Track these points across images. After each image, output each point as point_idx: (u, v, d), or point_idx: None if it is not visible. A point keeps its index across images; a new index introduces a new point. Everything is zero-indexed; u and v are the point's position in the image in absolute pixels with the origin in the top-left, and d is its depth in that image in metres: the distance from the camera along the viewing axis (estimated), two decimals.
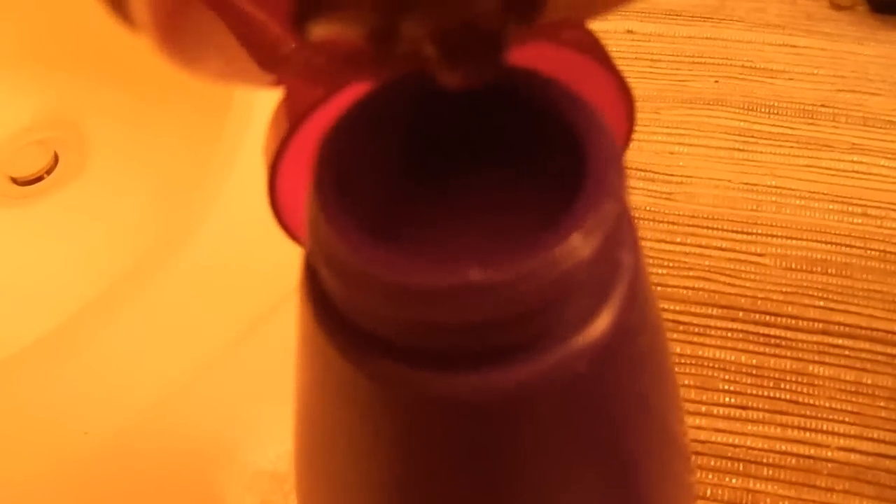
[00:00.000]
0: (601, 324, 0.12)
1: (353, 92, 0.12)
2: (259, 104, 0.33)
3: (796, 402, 0.29)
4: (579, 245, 0.11)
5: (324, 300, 0.12)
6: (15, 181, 0.41)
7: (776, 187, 0.35)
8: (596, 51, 0.14)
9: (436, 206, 0.12)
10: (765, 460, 0.28)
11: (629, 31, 0.41)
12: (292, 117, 0.12)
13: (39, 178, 0.41)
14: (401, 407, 0.12)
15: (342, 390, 0.13)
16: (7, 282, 0.38)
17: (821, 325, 0.31)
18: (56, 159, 0.41)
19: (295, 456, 0.16)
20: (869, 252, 0.33)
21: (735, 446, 0.28)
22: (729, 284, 0.32)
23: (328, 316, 0.12)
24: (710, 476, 0.28)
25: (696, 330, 0.31)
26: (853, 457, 0.28)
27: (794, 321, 0.31)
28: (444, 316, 0.11)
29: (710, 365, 0.30)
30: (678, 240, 0.33)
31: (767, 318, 0.31)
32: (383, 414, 0.12)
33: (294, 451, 0.16)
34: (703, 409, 0.29)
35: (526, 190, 0.12)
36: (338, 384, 0.13)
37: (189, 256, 0.31)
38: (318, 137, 0.12)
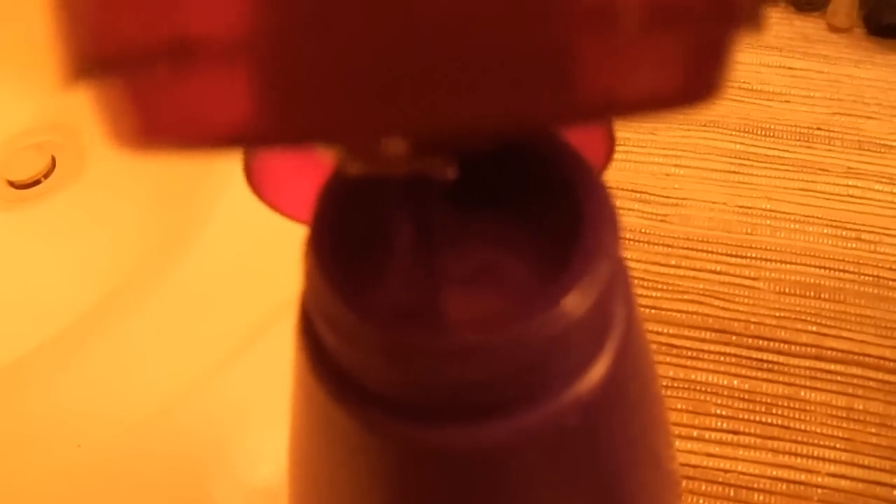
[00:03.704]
0: (594, 376, 0.12)
1: None
2: None
3: (788, 428, 0.29)
4: (574, 306, 0.11)
5: (319, 348, 0.12)
6: (12, 185, 0.41)
7: (771, 211, 0.35)
8: None
9: (430, 256, 0.13)
10: (756, 485, 0.28)
11: None
12: None
13: (36, 182, 0.41)
14: (393, 456, 0.12)
15: (335, 436, 0.13)
16: (3, 287, 0.38)
17: (813, 350, 0.31)
18: (53, 163, 0.41)
19: (288, 494, 0.16)
20: (862, 277, 0.33)
21: (726, 471, 0.29)
22: (722, 308, 0.32)
23: (323, 364, 0.12)
24: (702, 501, 0.28)
25: (689, 353, 0.31)
26: (844, 483, 0.28)
27: (786, 346, 0.31)
28: (439, 375, 0.11)
29: (703, 389, 0.30)
30: (672, 262, 0.33)
31: (760, 342, 0.31)
32: (375, 461, 0.12)
33: (287, 489, 0.16)
34: (695, 433, 0.29)
35: (521, 241, 0.13)
36: (330, 430, 0.13)
37: (188, 263, 0.31)
38: None
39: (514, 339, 0.11)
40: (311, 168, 0.14)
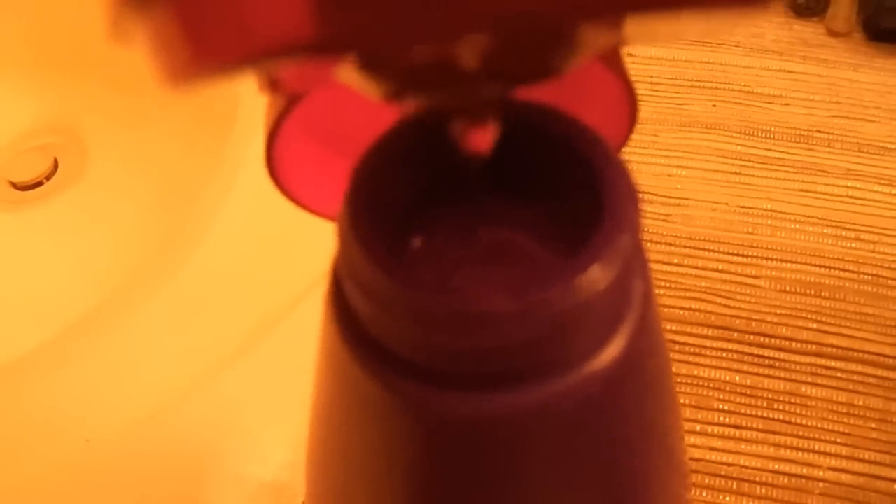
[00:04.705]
0: (614, 349, 0.13)
1: None
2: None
3: (789, 423, 0.30)
4: (598, 276, 0.11)
5: (349, 315, 0.12)
6: (15, 186, 0.41)
7: (772, 211, 0.35)
8: (609, 56, 0.14)
9: (458, 231, 0.13)
10: (758, 479, 0.29)
11: (629, 55, 0.42)
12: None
13: (39, 184, 0.41)
14: (420, 424, 0.13)
15: (362, 404, 0.13)
16: (6, 287, 0.38)
17: (814, 347, 0.31)
18: (56, 164, 0.41)
19: (307, 466, 0.17)
20: (862, 276, 0.33)
21: (729, 465, 0.29)
22: (724, 306, 0.33)
23: (352, 331, 0.12)
24: (705, 494, 0.28)
25: (692, 350, 0.31)
26: (844, 477, 0.29)
27: (787, 343, 0.32)
28: (469, 341, 0.11)
29: (706, 385, 0.31)
30: (675, 261, 0.34)
31: (762, 339, 0.32)
32: (402, 429, 0.13)
33: (306, 462, 0.16)
34: (698, 427, 0.30)
35: (543, 223, 0.13)
36: (358, 398, 0.13)
37: (189, 265, 0.31)
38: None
39: (539, 307, 0.11)
40: (335, 162, 0.15)
